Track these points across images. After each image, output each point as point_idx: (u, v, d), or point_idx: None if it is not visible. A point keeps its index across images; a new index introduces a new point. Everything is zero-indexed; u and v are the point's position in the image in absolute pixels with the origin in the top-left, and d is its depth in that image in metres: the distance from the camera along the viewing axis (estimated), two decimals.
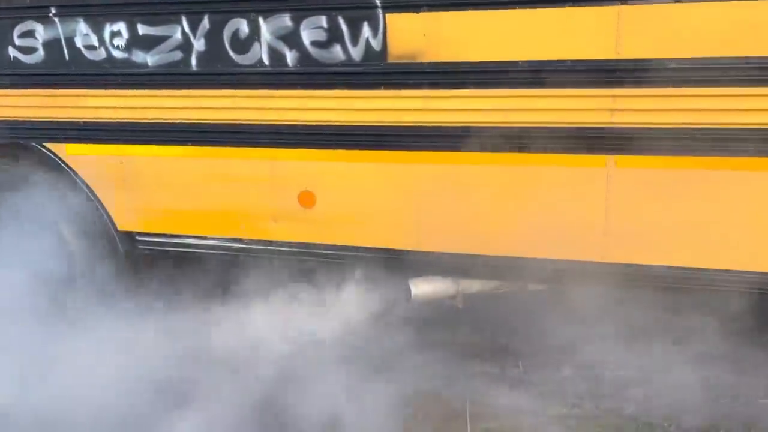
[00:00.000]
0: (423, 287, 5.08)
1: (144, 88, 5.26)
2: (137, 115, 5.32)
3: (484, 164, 4.68)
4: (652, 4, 4.20)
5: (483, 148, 4.63)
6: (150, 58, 5.15)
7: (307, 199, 5.05)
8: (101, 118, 5.39)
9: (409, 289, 5.10)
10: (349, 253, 5.09)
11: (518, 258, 4.74)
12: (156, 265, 5.61)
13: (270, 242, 5.23)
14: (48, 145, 5.58)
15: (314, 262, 5.23)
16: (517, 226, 4.68)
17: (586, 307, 4.69)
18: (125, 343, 5.06)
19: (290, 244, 5.20)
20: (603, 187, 4.54)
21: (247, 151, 5.14)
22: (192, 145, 5.28)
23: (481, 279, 5.07)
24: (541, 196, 4.63)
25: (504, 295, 5.38)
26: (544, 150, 4.53)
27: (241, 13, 4.90)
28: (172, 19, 5.05)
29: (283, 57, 4.88)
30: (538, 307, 5.72)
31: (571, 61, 4.39)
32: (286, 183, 5.11)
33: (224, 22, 4.95)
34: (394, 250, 4.99)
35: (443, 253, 4.90)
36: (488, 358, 5.70)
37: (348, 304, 5.04)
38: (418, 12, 4.56)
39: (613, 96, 4.38)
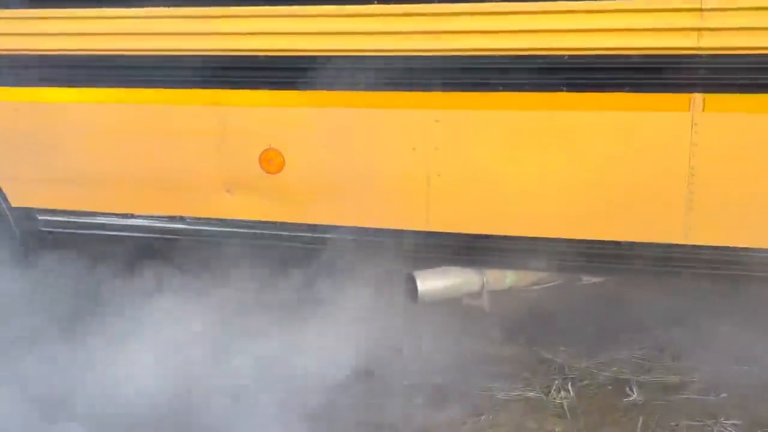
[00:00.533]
0: (433, 282, 3.85)
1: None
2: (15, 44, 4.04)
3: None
4: None
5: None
6: None
7: (271, 160, 3.79)
8: None
9: (414, 286, 3.87)
10: (331, 236, 3.88)
11: (572, 240, 3.56)
12: (64, 251, 4.26)
13: (222, 222, 3.99)
14: None
15: (283, 249, 3.98)
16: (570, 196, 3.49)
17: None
18: None
19: (250, 224, 3.96)
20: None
21: (186, 95, 3.83)
22: (106, 86, 3.96)
23: (519, 269, 3.86)
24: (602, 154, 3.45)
25: (546, 291, 4.18)
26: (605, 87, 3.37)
27: None
28: None
29: None
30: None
31: None
32: (243, 139, 3.84)
33: None
34: (395, 232, 3.77)
35: (465, 235, 3.70)
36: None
37: (330, 309, 3.79)
38: None
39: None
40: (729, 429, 3.73)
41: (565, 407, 3.97)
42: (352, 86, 3.58)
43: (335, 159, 3.72)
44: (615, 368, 4.29)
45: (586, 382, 4.19)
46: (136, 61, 3.84)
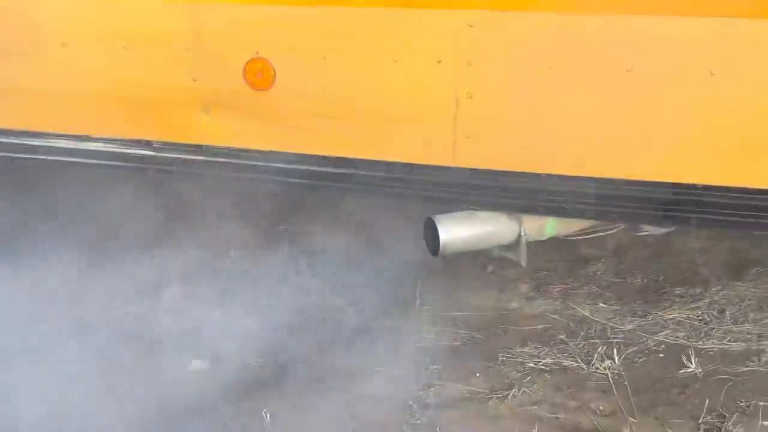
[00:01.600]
0: (458, 230, 3.07)
1: None
2: None
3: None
4: None
5: None
6: None
7: (259, 73, 3.01)
8: None
9: (435, 233, 3.10)
10: (332, 171, 3.13)
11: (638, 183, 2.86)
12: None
13: (198, 148, 3.24)
14: None
15: (272, 185, 3.27)
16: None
17: None
18: None
19: (233, 153, 3.21)
20: None
21: None
22: None
23: (565, 216, 3.11)
24: None
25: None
26: None
27: None
28: None
29: None
30: None
31: None
32: (224, 45, 3.05)
33: None
34: (413, 167, 3.01)
35: (500, 173, 2.95)
36: None
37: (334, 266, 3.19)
38: None
39: None
40: None
41: (611, 380, 3.33)
42: None
43: (338, 72, 2.96)
44: (667, 331, 3.63)
45: (633, 348, 3.53)
46: None
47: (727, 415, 3.12)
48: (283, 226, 3.96)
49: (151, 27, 3.09)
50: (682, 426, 3.12)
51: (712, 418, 3.11)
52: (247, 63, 3.03)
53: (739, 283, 4.01)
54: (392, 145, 3.05)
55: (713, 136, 2.75)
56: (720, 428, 3.09)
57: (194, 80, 3.12)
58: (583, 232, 3.30)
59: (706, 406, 3.12)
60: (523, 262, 3.17)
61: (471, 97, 2.89)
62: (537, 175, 2.92)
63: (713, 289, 3.96)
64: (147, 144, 3.29)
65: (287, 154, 3.16)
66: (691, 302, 3.87)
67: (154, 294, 3.90)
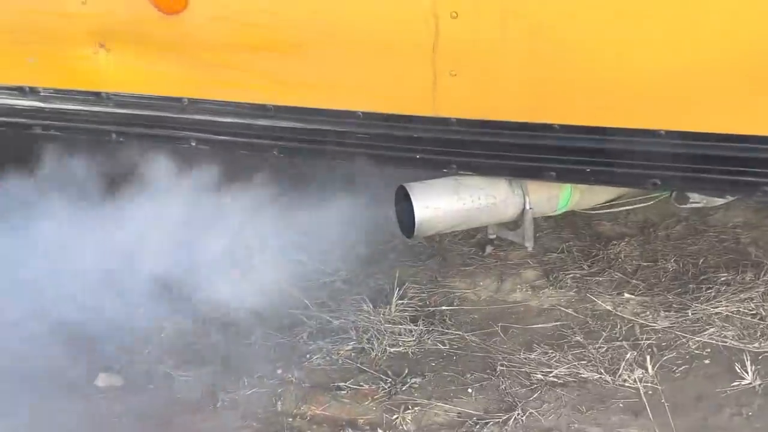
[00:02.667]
0: (440, 205, 2.29)
1: None
2: None
3: None
4: None
5: None
6: None
7: None
8: None
9: (409, 210, 2.35)
10: (275, 125, 2.40)
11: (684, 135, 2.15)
12: None
13: (96, 96, 2.52)
14: None
15: (196, 145, 2.53)
16: None
17: None
18: None
19: (140, 102, 2.53)
20: None
21: None
22: None
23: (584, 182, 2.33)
24: None
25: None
26: None
27: None
28: None
29: None
30: None
31: None
32: None
33: None
34: (378, 118, 2.27)
35: (497, 125, 2.21)
36: None
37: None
38: None
39: None
40: None
41: (643, 397, 2.59)
42: None
43: None
44: (712, 330, 2.87)
45: (670, 353, 2.79)
46: None
47: None
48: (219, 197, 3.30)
49: None
50: None
51: None
52: None
53: None
54: (351, 88, 2.33)
55: None
56: None
57: (83, 3, 2.49)
58: (607, 205, 2.63)
59: None
60: (529, 245, 2.46)
61: (456, 16, 2.14)
62: (548, 127, 2.26)
63: (766, 275, 3.28)
64: (30, 92, 2.63)
65: (212, 103, 2.52)
66: (741, 292, 3.08)
67: None
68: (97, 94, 2.54)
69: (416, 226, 2.31)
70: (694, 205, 2.36)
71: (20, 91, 2.60)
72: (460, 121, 2.25)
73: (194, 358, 2.92)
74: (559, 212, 2.54)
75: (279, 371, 2.83)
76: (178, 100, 2.47)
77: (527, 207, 2.38)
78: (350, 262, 3.42)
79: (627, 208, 2.64)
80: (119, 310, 2.74)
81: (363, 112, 2.31)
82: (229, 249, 3.04)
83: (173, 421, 2.65)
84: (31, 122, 2.62)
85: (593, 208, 2.64)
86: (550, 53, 2.14)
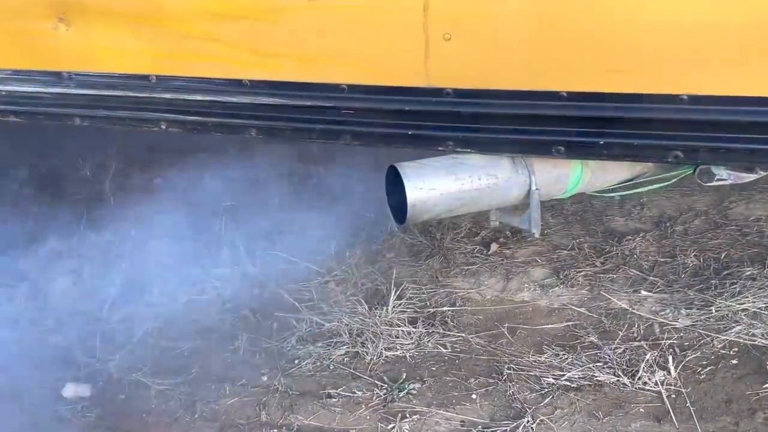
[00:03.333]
0: (436, 186, 1.97)
1: None
2: None
3: None
4: None
5: None
6: None
7: None
8: None
9: (401, 192, 2.04)
10: (255, 102, 2.13)
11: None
12: None
13: (56, 77, 2.23)
14: None
15: (166, 128, 2.26)
16: None
17: None
18: None
19: (104, 82, 2.24)
20: None
21: None
22: None
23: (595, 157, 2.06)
24: None
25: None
26: None
27: None
28: None
29: None
30: None
31: None
32: None
33: None
34: (370, 91, 2.04)
35: (497, 94, 1.95)
36: None
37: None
38: None
39: None
40: None
41: (666, 401, 2.38)
42: None
43: None
44: (739, 328, 2.66)
45: (694, 354, 2.58)
46: None
47: None
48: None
49: None
50: None
51: None
52: None
53: None
54: (334, 58, 2.09)
55: None
56: None
57: None
58: (624, 185, 2.39)
59: None
60: (536, 231, 2.19)
61: None
62: (555, 95, 2.04)
63: None
64: None
65: (182, 80, 2.27)
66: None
67: None
68: (58, 74, 2.33)
69: (408, 209, 2.05)
70: (720, 183, 2.13)
71: None
72: (457, 92, 2.01)
73: (171, 365, 2.73)
74: (569, 194, 2.26)
75: (264, 378, 2.65)
76: (146, 77, 2.25)
77: (533, 188, 2.10)
78: (344, 261, 3.29)
79: (644, 189, 2.39)
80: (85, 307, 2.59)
81: (348, 85, 2.08)
82: (211, 246, 2.90)
83: None
84: None
85: (610, 190, 2.40)
86: (555, 9, 1.93)
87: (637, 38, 1.92)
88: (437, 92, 2.06)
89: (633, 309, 2.88)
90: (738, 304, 2.85)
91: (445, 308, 2.96)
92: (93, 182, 3.28)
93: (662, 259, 3.19)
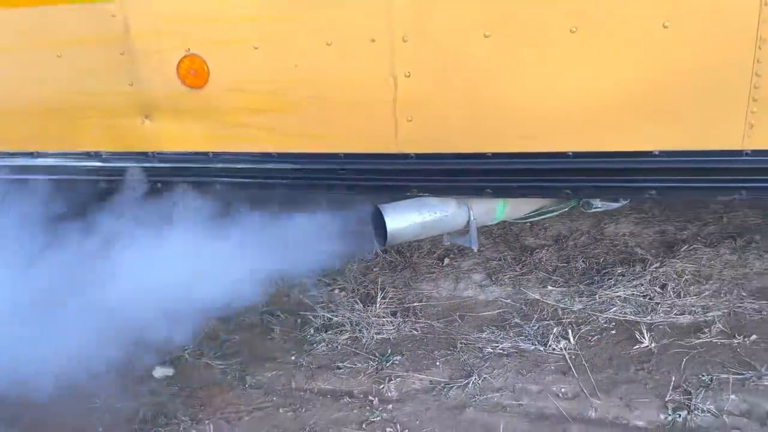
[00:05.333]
0: (406, 218, 2.04)
1: None
2: None
3: None
4: None
5: None
6: None
7: (192, 70, 2.03)
8: None
9: (382, 225, 2.09)
10: (273, 166, 2.14)
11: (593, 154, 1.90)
12: None
13: (143, 155, 2.23)
14: None
15: (220, 188, 2.23)
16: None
17: None
18: None
19: (179, 157, 2.21)
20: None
21: None
22: None
23: (520, 196, 2.08)
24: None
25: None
26: None
27: None
28: None
29: None
30: None
31: None
32: (155, 45, 2.07)
33: None
34: (354, 157, 2.05)
35: (447, 156, 1.95)
36: None
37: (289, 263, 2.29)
38: None
39: None
40: None
41: (568, 360, 2.33)
42: None
43: (271, 63, 1.99)
44: (615, 308, 2.60)
45: (586, 327, 2.51)
46: None
47: (692, 391, 2.12)
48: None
49: (79, 32, 2.07)
50: (648, 405, 2.10)
51: (678, 395, 2.10)
52: (179, 61, 2.08)
53: (674, 260, 2.94)
54: (335, 136, 2.04)
55: (668, 98, 1.93)
56: (688, 405, 2.07)
57: (123, 85, 2.12)
58: (532, 214, 2.31)
59: (668, 382, 2.16)
60: (475, 247, 2.17)
61: (409, 75, 1.90)
62: (483, 155, 1.96)
63: (651, 267, 2.90)
64: (97, 155, 2.33)
65: (230, 154, 2.15)
66: (634, 279, 2.81)
67: None
68: (145, 153, 2.30)
69: (389, 236, 2.07)
70: (597, 210, 2.17)
71: (87, 155, 2.33)
72: (418, 155, 2.01)
73: (227, 352, 2.61)
74: (496, 222, 2.30)
75: (293, 357, 2.54)
76: (205, 153, 2.23)
77: (472, 218, 2.13)
78: (345, 275, 3.14)
79: (546, 216, 2.41)
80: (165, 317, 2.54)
81: (344, 153, 2.07)
82: (254, 267, 2.85)
83: (213, 399, 2.36)
84: (95, 178, 2.42)
85: (523, 218, 2.44)
86: (480, 100, 1.91)
87: (535, 118, 1.92)
88: (404, 156, 2.04)
89: (543, 299, 2.81)
90: (613, 292, 2.77)
91: (415, 304, 2.85)
92: None
93: (561, 265, 3.12)
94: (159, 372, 2.41)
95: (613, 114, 1.86)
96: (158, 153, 2.24)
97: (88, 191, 2.34)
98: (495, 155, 1.94)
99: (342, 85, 1.98)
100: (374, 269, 3.30)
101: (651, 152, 1.84)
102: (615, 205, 2.11)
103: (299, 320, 2.85)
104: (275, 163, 2.12)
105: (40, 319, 2.41)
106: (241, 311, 2.94)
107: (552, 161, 1.91)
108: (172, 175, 2.26)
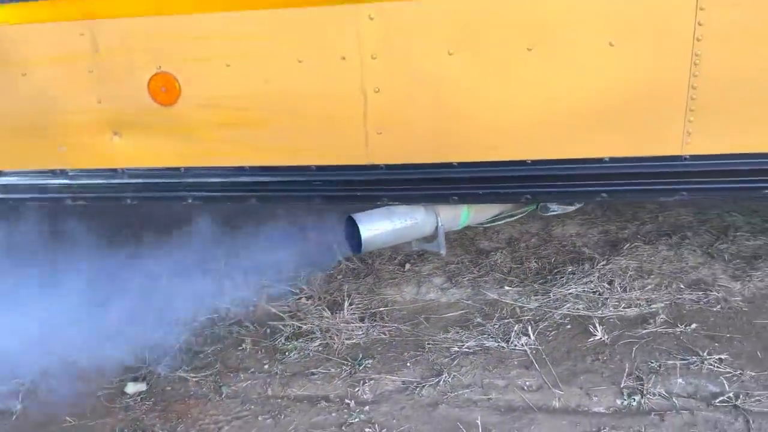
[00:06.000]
0: (378, 226, 2.14)
1: None
2: None
3: None
4: None
5: None
6: None
7: (164, 87, 2.05)
8: None
9: (356, 233, 2.18)
10: (244, 180, 2.17)
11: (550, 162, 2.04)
12: None
13: (113, 171, 2.24)
14: None
15: (192, 202, 2.24)
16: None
17: None
18: None
19: (151, 173, 2.23)
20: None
21: (44, 8, 2.02)
22: None
23: (484, 202, 2.19)
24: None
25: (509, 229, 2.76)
26: None
27: None
28: None
29: None
30: None
31: None
32: (126, 62, 2.09)
33: None
34: (326, 169, 2.12)
35: (415, 167, 2.04)
36: None
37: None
38: None
39: None
40: (717, 365, 2.28)
41: (530, 355, 2.46)
42: None
43: (244, 79, 2.04)
44: (568, 305, 2.76)
45: (543, 323, 2.66)
46: None
47: (644, 377, 2.29)
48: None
49: (51, 50, 2.07)
50: (605, 392, 2.25)
51: (631, 381, 2.27)
52: (150, 78, 2.12)
53: (619, 258, 3.13)
54: (303, 148, 2.10)
55: (615, 109, 2.10)
56: (641, 390, 2.24)
57: (97, 102, 2.13)
58: (494, 218, 2.49)
59: (622, 369, 2.31)
60: (443, 252, 2.27)
61: (378, 91, 2.00)
62: (449, 165, 2.07)
63: (598, 264, 3.07)
64: (62, 173, 2.27)
65: (203, 169, 2.17)
66: (584, 277, 2.98)
67: None
68: (114, 170, 2.29)
69: (363, 243, 2.15)
70: (553, 213, 2.32)
71: (53, 173, 2.30)
72: (387, 166, 2.09)
73: (199, 364, 2.60)
74: (461, 227, 2.41)
75: (266, 366, 2.57)
76: (177, 169, 2.25)
77: (440, 224, 2.24)
78: (310, 283, 3.18)
79: (507, 220, 2.56)
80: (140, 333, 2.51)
81: (316, 166, 2.13)
82: (219, 279, 2.86)
83: (190, 411, 2.36)
84: (62, 196, 2.39)
85: (485, 222, 2.56)
86: (445, 113, 2.03)
87: (495, 130, 2.03)
88: (375, 167, 2.12)
89: (501, 299, 2.93)
90: (566, 290, 2.94)
91: (381, 308, 2.93)
92: None
93: (515, 266, 3.25)
94: (131, 388, 2.39)
95: (568, 124, 2.02)
96: (128, 169, 2.24)
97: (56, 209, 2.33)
98: (461, 164, 2.06)
99: (313, 100, 2.05)
100: (338, 277, 3.34)
101: (602, 159, 2.01)
102: (570, 208, 2.27)
103: (268, 330, 2.87)
104: (248, 176, 2.16)
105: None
106: (207, 324, 2.97)
107: (513, 169, 2.05)
108: (143, 191, 2.29)
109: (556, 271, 3.15)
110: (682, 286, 2.94)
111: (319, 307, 3.00)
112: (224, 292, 3.11)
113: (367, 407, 2.29)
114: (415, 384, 2.39)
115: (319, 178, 2.14)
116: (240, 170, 2.18)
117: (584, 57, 1.91)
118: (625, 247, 3.34)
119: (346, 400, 2.32)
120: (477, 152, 2.04)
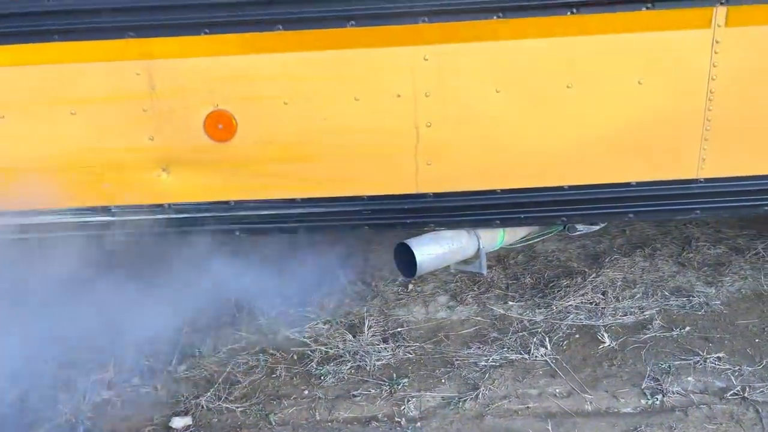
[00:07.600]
0: (430, 250, 2.26)
1: None
2: None
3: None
4: None
5: None
6: None
7: (220, 125, 2.08)
8: None
9: (410, 258, 2.29)
10: (299, 211, 2.22)
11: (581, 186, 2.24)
12: None
13: (159, 207, 2.25)
14: None
15: (241, 233, 2.29)
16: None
17: None
18: None
19: (198, 207, 2.24)
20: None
21: (101, 48, 2.01)
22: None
23: (522, 225, 2.37)
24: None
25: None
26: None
27: None
28: None
29: None
30: None
31: None
32: (182, 101, 2.10)
33: None
34: (379, 199, 2.20)
35: (462, 194, 2.19)
36: None
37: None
38: None
39: None
40: (717, 363, 2.53)
41: (552, 364, 2.63)
42: (315, 23, 2.00)
43: (301, 116, 2.12)
44: (571, 316, 2.96)
45: (555, 334, 2.83)
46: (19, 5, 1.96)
47: (659, 377, 2.53)
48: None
49: (105, 88, 2.04)
50: (629, 393, 2.47)
51: (650, 382, 2.50)
52: (207, 116, 2.13)
53: (605, 270, 3.37)
54: (357, 179, 2.20)
55: (641, 139, 2.30)
56: (661, 390, 2.47)
57: (153, 140, 2.13)
58: (524, 239, 2.64)
59: (638, 372, 2.53)
60: (485, 272, 2.45)
61: (430, 125, 2.14)
62: (492, 192, 2.23)
63: (590, 277, 3.29)
64: (105, 210, 2.21)
65: (253, 201, 2.21)
66: (579, 290, 3.18)
67: None
68: (160, 205, 2.25)
69: (417, 267, 2.26)
70: (579, 233, 2.52)
71: (96, 210, 2.23)
72: (435, 194, 2.23)
73: (240, 394, 2.56)
74: (496, 248, 2.56)
75: (305, 391, 2.58)
76: (226, 202, 2.26)
77: (481, 247, 2.39)
78: (323, 308, 3.16)
79: (535, 240, 2.73)
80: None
81: (367, 195, 2.24)
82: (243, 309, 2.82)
83: None
84: (105, 233, 2.30)
85: (517, 242, 2.63)
86: (491, 145, 2.19)
87: (536, 159, 2.21)
88: (423, 195, 2.25)
89: (507, 314, 3.08)
90: (566, 302, 3.13)
91: (398, 329, 3.00)
92: None
93: (511, 282, 3.40)
94: (178, 422, 2.34)
95: (600, 153, 2.23)
96: (175, 204, 2.23)
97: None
98: (503, 191, 2.24)
99: (368, 134, 2.15)
100: (346, 301, 3.34)
101: (629, 183, 2.24)
102: (594, 228, 2.46)
103: (295, 356, 2.87)
104: (299, 208, 2.22)
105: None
106: (231, 354, 2.93)
107: (551, 194, 2.25)
108: (190, 225, 2.27)
109: (551, 285, 3.34)
110: (666, 293, 3.22)
111: (339, 331, 3.04)
112: (241, 321, 3.13)
113: (418, 424, 2.38)
114: (455, 399, 2.50)
115: (369, 207, 2.25)
116: (291, 202, 2.25)
117: (616, 94, 2.14)
118: (607, 260, 3.62)
119: (396, 419, 2.40)
120: (519, 179, 2.22)
